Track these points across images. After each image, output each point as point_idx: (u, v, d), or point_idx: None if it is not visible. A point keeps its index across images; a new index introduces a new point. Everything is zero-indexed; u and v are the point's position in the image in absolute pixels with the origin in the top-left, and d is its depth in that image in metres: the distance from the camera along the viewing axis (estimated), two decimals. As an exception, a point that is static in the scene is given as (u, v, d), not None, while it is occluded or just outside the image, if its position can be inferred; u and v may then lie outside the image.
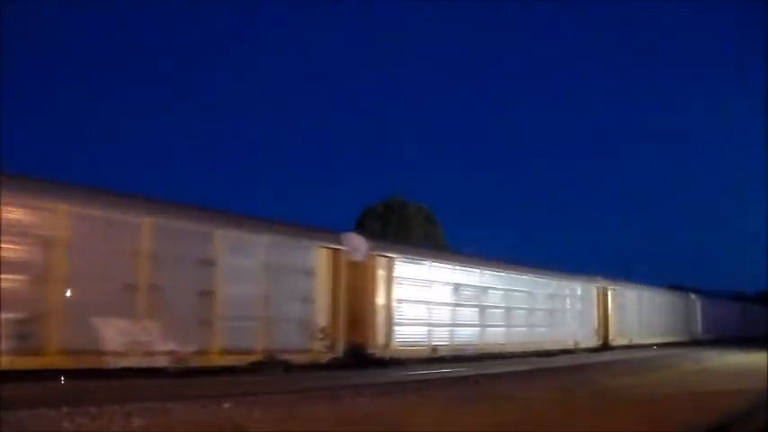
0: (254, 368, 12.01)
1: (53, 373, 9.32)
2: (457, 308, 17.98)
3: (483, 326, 18.89)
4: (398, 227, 32.06)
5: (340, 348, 14.17)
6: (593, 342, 24.89)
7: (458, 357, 17.13)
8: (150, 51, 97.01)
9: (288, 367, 12.59)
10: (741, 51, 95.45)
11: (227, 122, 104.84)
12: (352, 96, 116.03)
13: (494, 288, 19.80)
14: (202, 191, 76.08)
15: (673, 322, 32.56)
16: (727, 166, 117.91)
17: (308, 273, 13.71)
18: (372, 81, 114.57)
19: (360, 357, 14.63)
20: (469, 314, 18.43)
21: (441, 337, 17.16)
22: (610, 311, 26.38)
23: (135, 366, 10.24)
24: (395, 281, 15.94)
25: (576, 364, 16.50)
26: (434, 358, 16.40)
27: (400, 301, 15.98)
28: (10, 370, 8.66)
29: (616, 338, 26.26)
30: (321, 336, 13.74)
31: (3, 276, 8.87)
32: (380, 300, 15.61)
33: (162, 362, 10.57)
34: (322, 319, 13.89)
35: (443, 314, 17.46)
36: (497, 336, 19.52)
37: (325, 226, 16.22)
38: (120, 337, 10.02)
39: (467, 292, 18.48)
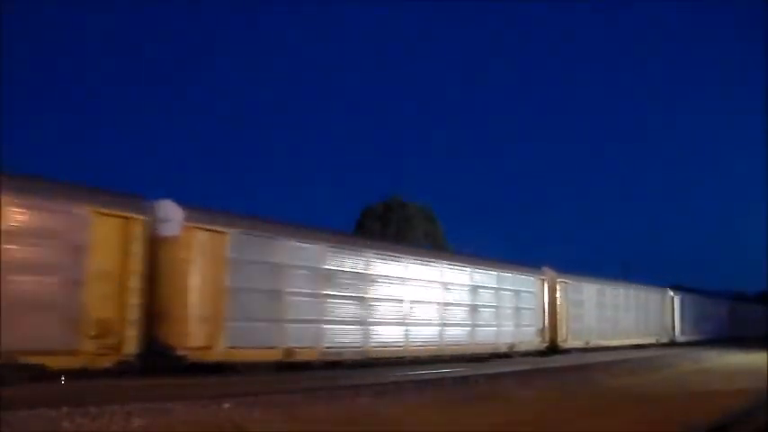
0: None
1: (55, 374, 9.33)
2: (329, 300, 14.13)
3: (369, 324, 15.02)
4: (398, 227, 32.04)
5: (131, 349, 10.44)
6: (536, 344, 21.17)
7: (330, 363, 13.96)
8: (151, 52, 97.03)
9: (36, 376, 9.26)
10: (742, 53, 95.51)
11: (228, 123, 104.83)
12: (353, 97, 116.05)
13: (386, 277, 15.77)
14: (203, 191, 76.13)
15: (645, 321, 29.09)
16: (727, 167, 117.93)
17: (79, 248, 10.04)
18: (373, 81, 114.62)
19: (165, 361, 11.25)
20: (350, 309, 14.61)
21: (300, 338, 13.31)
22: (560, 308, 22.41)
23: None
24: (230, 262, 12.26)
25: (576, 364, 16.48)
26: (290, 364, 13.11)
27: (239, 289, 12.30)
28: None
29: (568, 340, 22.66)
30: (95, 333, 10.15)
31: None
32: (200, 286, 11.85)
33: None
34: (101, 309, 10.21)
35: (306, 308, 13.58)
36: (392, 337, 15.62)
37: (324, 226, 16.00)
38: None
39: (345, 281, 14.62)
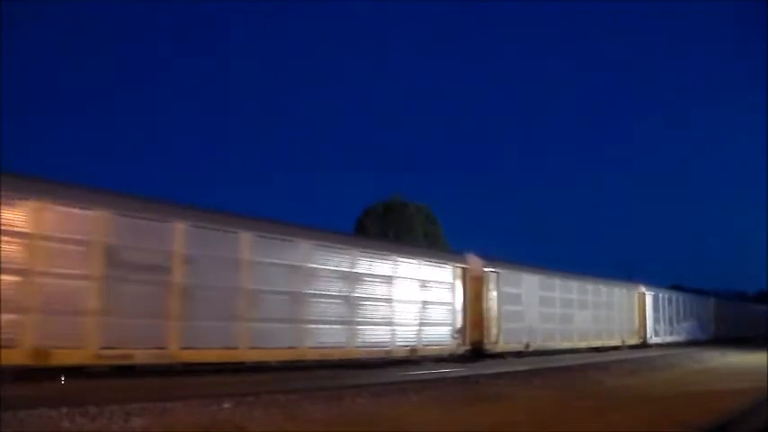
0: None
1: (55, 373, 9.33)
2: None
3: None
4: (398, 227, 32.01)
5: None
6: (452, 348, 16.98)
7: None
8: (151, 51, 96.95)
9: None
10: (743, 54, 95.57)
11: (229, 123, 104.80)
12: (353, 97, 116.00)
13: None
14: (205, 191, 76.11)
15: (608, 321, 25.53)
16: (727, 167, 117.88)
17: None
18: (374, 82, 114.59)
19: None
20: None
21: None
22: (488, 304, 18.41)
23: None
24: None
25: (576, 364, 16.48)
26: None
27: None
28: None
29: (499, 342, 18.61)
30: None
31: None
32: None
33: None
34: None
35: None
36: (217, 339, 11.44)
37: (324, 225, 15.59)
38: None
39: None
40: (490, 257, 19.17)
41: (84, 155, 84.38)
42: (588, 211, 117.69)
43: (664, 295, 31.23)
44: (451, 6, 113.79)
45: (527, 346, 20.07)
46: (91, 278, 9.85)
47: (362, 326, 14.25)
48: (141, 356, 10.31)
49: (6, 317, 8.79)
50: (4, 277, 8.89)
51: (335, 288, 13.73)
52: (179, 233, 11.08)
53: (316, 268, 13.34)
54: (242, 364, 11.81)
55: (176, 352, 10.73)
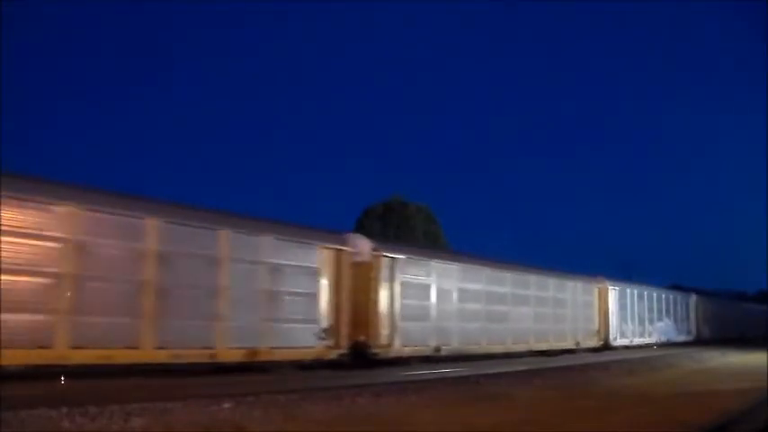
0: None
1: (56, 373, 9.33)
2: None
3: None
4: (398, 227, 32.04)
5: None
6: (320, 352, 13.32)
7: None
8: (151, 51, 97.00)
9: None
10: (742, 53, 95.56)
11: (230, 123, 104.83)
12: (353, 97, 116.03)
13: None
14: (204, 190, 76.12)
15: (555, 320, 21.94)
16: (727, 167, 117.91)
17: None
18: (373, 82, 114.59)
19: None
20: None
21: None
22: (379, 297, 14.72)
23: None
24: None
25: (576, 364, 16.49)
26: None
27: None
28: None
29: (393, 345, 14.98)
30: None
31: None
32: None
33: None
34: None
35: None
36: None
37: (325, 226, 15.32)
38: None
39: None
40: (385, 240, 15.86)
41: (84, 155, 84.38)
42: (588, 212, 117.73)
43: (633, 291, 27.68)
44: (452, 6, 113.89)
45: (437, 349, 16.24)
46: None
47: (170, 320, 10.76)
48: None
49: None
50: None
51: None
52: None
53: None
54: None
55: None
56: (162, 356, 10.56)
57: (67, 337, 9.49)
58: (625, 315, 26.80)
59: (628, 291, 27.32)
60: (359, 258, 14.57)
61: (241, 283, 11.99)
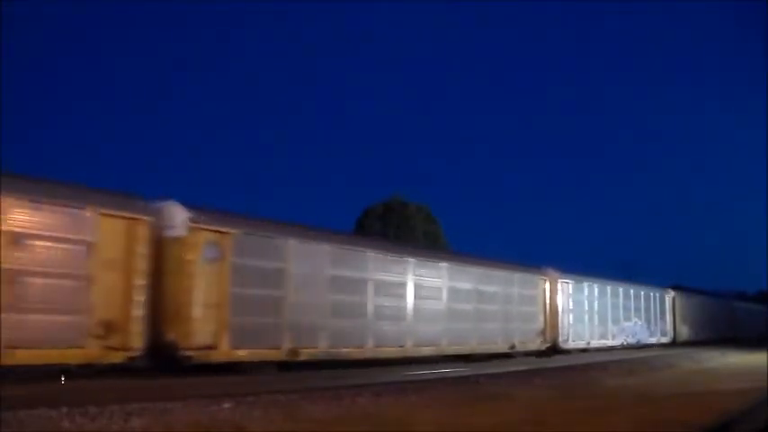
0: None
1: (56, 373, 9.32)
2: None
3: None
4: (398, 227, 32.03)
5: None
6: (98, 356, 9.94)
7: None
8: (151, 51, 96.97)
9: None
10: (742, 53, 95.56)
11: (230, 123, 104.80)
12: (353, 97, 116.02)
13: None
14: (204, 190, 76.10)
15: (478, 317, 18.25)
16: (727, 167, 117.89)
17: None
18: (373, 82, 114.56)
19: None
20: None
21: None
22: (189, 284, 11.32)
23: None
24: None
25: (576, 364, 16.49)
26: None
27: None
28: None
29: (222, 346, 11.61)
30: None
31: None
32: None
33: None
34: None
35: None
36: None
37: (326, 226, 15.26)
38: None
39: None
40: (204, 208, 12.01)
41: (82, 155, 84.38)
42: (588, 211, 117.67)
43: (592, 286, 24.09)
44: (452, 6, 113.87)
45: (294, 353, 12.72)
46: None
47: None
48: None
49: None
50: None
51: None
52: None
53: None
54: None
55: None
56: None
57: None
58: (581, 313, 23.22)
59: (585, 285, 23.66)
60: (171, 232, 11.21)
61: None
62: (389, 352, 15.20)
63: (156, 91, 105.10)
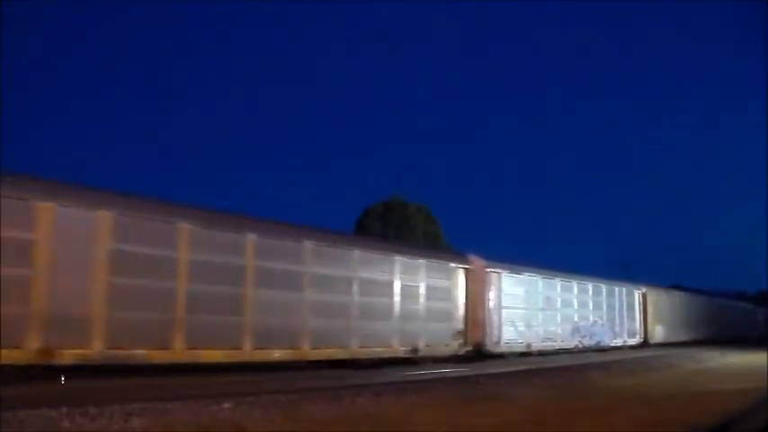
0: None
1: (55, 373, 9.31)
2: None
3: None
4: (398, 227, 32.03)
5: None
6: None
7: None
8: (152, 50, 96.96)
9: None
10: (742, 53, 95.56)
11: (230, 123, 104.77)
12: (353, 97, 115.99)
13: None
14: (204, 190, 76.07)
15: (364, 312, 14.41)
16: (727, 167, 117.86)
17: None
18: (373, 82, 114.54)
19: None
20: None
21: None
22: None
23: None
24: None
25: (576, 364, 16.49)
26: None
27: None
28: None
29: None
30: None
31: None
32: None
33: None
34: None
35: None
36: None
37: (325, 226, 14.98)
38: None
39: None
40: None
41: (81, 155, 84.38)
42: (588, 211, 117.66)
43: (535, 278, 20.48)
44: (452, 6, 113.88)
45: (46, 354, 9.26)
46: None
47: None
48: None
49: None
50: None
51: None
52: None
53: None
54: None
55: None
56: None
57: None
58: (517, 311, 19.35)
59: (525, 277, 19.89)
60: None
61: None
62: (213, 355, 11.33)
63: (155, 91, 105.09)
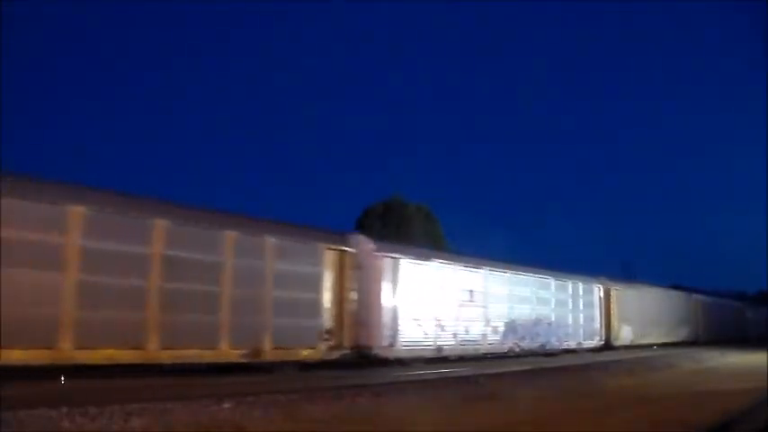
0: None
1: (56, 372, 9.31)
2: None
3: None
4: (398, 227, 32.03)
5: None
6: None
7: None
8: (152, 50, 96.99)
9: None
10: (742, 52, 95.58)
11: (230, 123, 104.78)
12: (353, 97, 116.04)
13: None
14: (203, 190, 76.08)
15: (159, 299, 10.63)
16: (727, 167, 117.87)
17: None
18: (373, 82, 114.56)
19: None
20: None
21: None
22: None
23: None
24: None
25: (576, 364, 16.47)
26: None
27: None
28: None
29: None
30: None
31: None
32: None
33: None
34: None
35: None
36: None
37: (324, 225, 14.66)
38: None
39: None
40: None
41: (82, 155, 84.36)
42: (588, 211, 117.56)
43: (449, 269, 16.89)
44: (452, 6, 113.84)
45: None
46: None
47: None
48: None
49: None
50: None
51: None
52: None
53: None
54: None
55: None
56: None
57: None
58: (420, 308, 15.62)
59: (435, 265, 16.41)
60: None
61: None
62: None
63: (155, 91, 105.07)
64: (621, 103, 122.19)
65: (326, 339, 13.42)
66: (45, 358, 9.12)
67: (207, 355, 11.27)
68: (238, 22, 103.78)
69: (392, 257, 15.16)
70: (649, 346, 26.49)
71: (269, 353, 12.18)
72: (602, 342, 24.15)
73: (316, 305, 13.37)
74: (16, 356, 8.80)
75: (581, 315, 23.10)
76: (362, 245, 14.64)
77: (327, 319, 13.57)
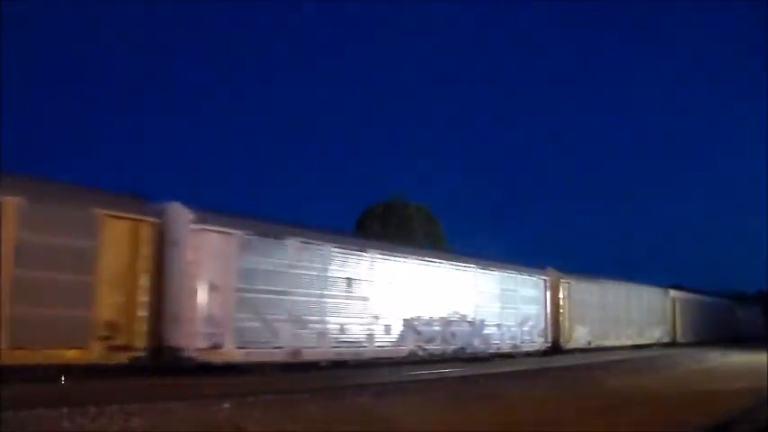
0: None
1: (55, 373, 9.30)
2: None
3: None
4: (398, 227, 32.04)
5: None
6: None
7: None
8: (150, 50, 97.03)
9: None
10: (742, 52, 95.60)
11: (229, 123, 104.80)
12: (353, 97, 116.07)
13: None
14: (203, 190, 76.02)
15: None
16: (727, 167, 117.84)
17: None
18: (373, 82, 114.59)
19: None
20: None
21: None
22: None
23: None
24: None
25: (576, 364, 16.47)
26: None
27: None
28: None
29: None
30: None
31: None
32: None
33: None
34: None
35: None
36: None
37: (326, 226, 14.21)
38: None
39: None
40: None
41: (81, 155, 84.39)
42: (588, 211, 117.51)
43: (307, 247, 13.36)
44: (452, 6, 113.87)
45: None
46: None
47: None
48: None
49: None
50: None
51: None
52: None
53: None
54: None
55: None
56: None
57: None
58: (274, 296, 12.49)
59: (293, 243, 12.98)
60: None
61: None
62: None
63: (155, 91, 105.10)
64: (622, 102, 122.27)
65: (106, 338, 10.12)
66: None
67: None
68: (239, 20, 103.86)
69: (223, 232, 11.88)
70: (612, 348, 23.33)
71: (3, 354, 8.84)
72: (549, 344, 20.95)
73: (84, 290, 9.90)
74: None
75: (519, 312, 19.68)
76: (176, 215, 11.43)
77: (108, 311, 10.19)
